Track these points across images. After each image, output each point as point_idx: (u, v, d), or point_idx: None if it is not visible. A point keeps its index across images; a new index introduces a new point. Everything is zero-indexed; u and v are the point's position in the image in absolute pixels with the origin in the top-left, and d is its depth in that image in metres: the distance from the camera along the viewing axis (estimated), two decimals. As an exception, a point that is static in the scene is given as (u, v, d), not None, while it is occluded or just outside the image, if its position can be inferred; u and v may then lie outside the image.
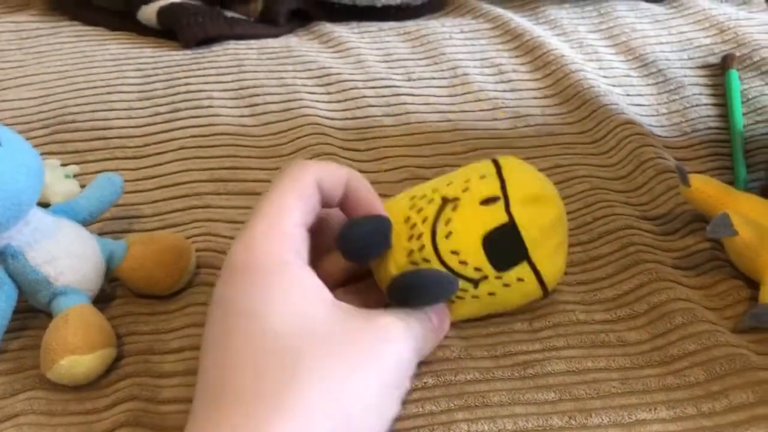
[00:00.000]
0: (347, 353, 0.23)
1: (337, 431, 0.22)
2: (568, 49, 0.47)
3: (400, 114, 0.42)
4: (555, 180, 0.36)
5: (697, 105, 0.42)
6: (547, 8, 0.51)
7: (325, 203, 0.27)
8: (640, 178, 0.37)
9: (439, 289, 0.26)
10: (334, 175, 0.26)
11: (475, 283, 0.27)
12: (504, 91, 0.44)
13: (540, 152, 0.39)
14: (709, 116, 0.42)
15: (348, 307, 0.25)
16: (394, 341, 0.25)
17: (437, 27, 0.50)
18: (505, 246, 0.26)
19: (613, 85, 0.44)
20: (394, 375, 0.24)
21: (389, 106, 0.42)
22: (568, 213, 0.34)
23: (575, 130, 0.41)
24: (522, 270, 0.27)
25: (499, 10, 0.51)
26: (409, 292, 0.26)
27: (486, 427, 0.26)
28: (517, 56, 0.47)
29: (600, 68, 0.45)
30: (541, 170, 0.29)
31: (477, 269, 0.26)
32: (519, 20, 0.49)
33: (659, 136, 0.40)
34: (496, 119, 0.42)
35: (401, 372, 0.25)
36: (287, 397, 0.22)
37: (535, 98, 0.43)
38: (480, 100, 0.43)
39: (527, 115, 0.42)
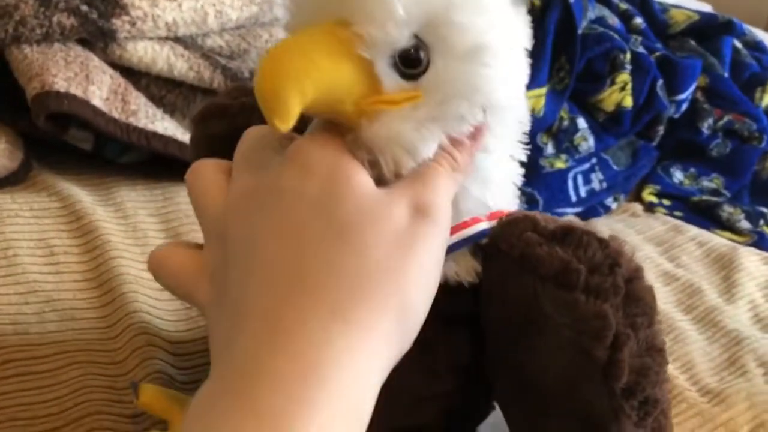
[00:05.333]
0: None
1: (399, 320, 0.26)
2: (120, 233, 0.54)
3: (-70, 297, 0.46)
4: (49, 366, 0.42)
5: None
6: (120, 189, 0.59)
7: None
8: (129, 362, 0.44)
9: None
10: None
11: None
12: (47, 273, 0.50)
13: (51, 338, 0.45)
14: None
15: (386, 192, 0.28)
16: (437, 222, 0.28)
17: (7, 203, 0.55)
18: None
19: (146, 270, 0.52)
20: (438, 255, 0.28)
21: None
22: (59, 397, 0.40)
23: (96, 315, 0.48)
24: None
25: (73, 190, 0.57)
26: None
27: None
28: (72, 237, 0.53)
29: (142, 253, 0.53)
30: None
31: None
32: (87, 201, 0.56)
33: (167, 320, 0.48)
34: (26, 303, 0.47)
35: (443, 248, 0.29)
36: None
37: (75, 281, 0.50)
38: (19, 283, 0.48)
39: (58, 300, 0.48)
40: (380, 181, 0.29)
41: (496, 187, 0.32)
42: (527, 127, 0.33)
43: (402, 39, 0.28)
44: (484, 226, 0.31)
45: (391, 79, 0.28)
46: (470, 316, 0.33)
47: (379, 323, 0.26)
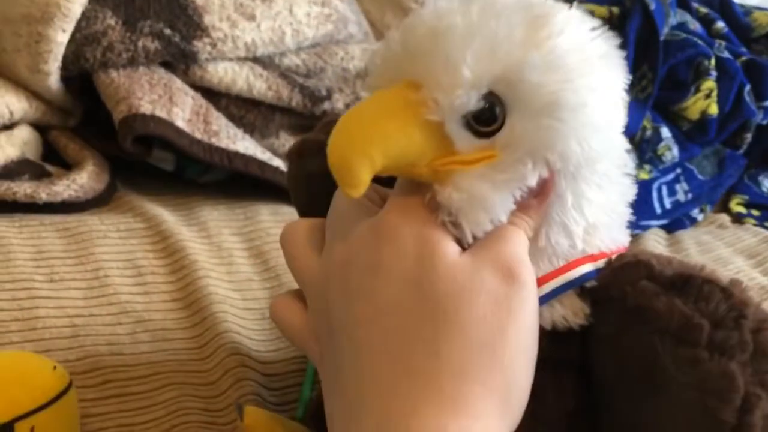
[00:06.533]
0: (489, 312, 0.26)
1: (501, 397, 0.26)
2: (205, 253, 0.55)
3: (30, 319, 0.46)
4: (146, 387, 0.42)
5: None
6: (202, 209, 0.60)
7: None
8: (222, 383, 0.44)
9: None
10: None
11: None
12: (137, 294, 0.50)
13: (146, 358, 0.45)
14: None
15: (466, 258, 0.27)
16: (527, 284, 0.27)
17: (96, 224, 0.56)
18: None
19: (233, 290, 0.52)
20: (534, 317, 0.27)
21: (21, 310, 0.47)
22: (157, 418, 0.41)
23: (187, 335, 0.48)
24: None
25: (157, 210, 0.58)
26: None
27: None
28: (159, 258, 0.54)
29: (227, 272, 0.53)
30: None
31: None
32: (171, 221, 0.57)
33: (256, 339, 0.48)
34: (119, 324, 0.48)
35: (536, 308, 0.28)
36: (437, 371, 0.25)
37: (164, 301, 0.50)
38: (111, 304, 0.49)
39: (149, 320, 0.48)
40: (460, 241, 0.29)
41: (591, 227, 0.30)
42: (628, 159, 0.31)
43: (471, 101, 0.27)
44: (588, 268, 0.30)
45: (464, 139, 0.28)
46: (580, 362, 0.31)
47: (486, 406, 0.25)
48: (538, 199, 0.29)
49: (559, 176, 0.28)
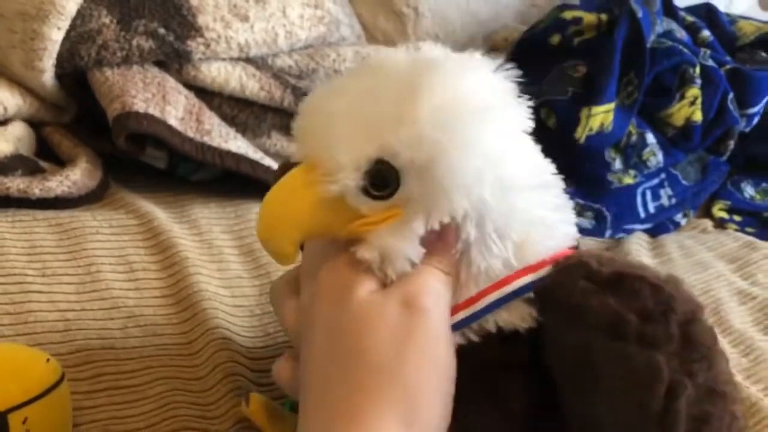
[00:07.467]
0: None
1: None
2: (196, 250, 0.55)
3: (21, 312, 0.47)
4: (136, 381, 0.43)
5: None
6: (194, 207, 0.60)
7: None
8: (211, 378, 0.45)
9: None
10: None
11: None
12: (128, 290, 0.51)
13: (137, 353, 0.46)
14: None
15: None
16: (427, 311, 0.31)
17: (89, 220, 0.56)
18: None
19: (223, 287, 0.53)
20: (436, 339, 0.31)
21: (13, 303, 0.47)
22: (147, 411, 0.41)
23: (177, 330, 0.49)
24: None
25: (149, 207, 0.59)
26: None
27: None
28: (151, 254, 0.54)
29: (218, 269, 0.54)
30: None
31: None
32: (162, 218, 0.57)
33: (245, 336, 0.49)
34: (111, 318, 0.48)
35: (444, 332, 0.31)
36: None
37: (155, 297, 0.51)
38: (103, 299, 0.50)
39: (140, 315, 0.49)
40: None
41: (521, 244, 0.32)
42: (543, 163, 0.33)
43: (358, 175, 0.30)
44: (527, 279, 0.32)
45: (366, 205, 0.31)
46: (535, 361, 0.33)
47: (387, 421, 0.29)
48: (442, 242, 0.32)
49: (464, 220, 0.31)
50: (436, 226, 0.31)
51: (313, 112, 0.32)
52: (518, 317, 0.32)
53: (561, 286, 0.31)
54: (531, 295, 0.32)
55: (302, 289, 0.35)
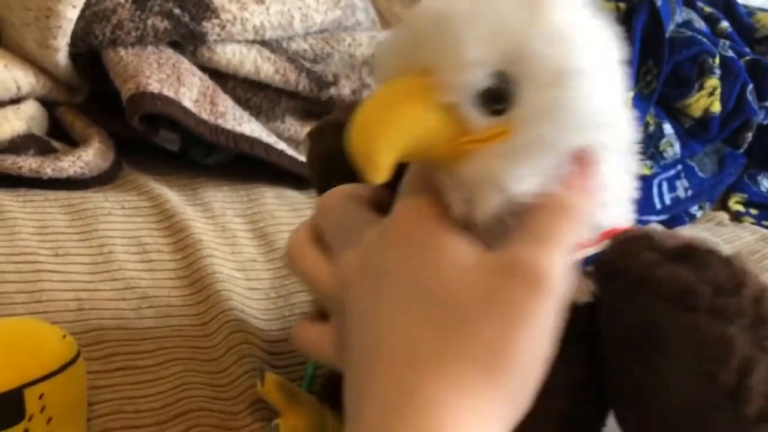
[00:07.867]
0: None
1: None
2: (209, 233, 0.55)
3: (34, 291, 0.46)
4: (150, 362, 0.42)
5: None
6: (206, 190, 0.60)
7: None
8: (225, 359, 0.44)
9: None
10: None
11: None
12: (141, 270, 0.50)
13: (151, 333, 0.45)
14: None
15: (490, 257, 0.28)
16: (550, 292, 0.27)
17: (101, 201, 0.56)
18: None
19: (237, 269, 0.52)
20: (551, 316, 0.27)
21: (26, 282, 0.47)
22: (162, 392, 0.41)
23: (191, 312, 0.48)
24: None
25: (162, 189, 0.58)
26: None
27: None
28: (164, 236, 0.54)
29: (232, 252, 0.54)
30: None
31: None
32: (175, 201, 0.57)
33: (260, 319, 0.48)
34: (124, 299, 0.48)
35: (556, 308, 0.27)
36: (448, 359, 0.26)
37: (168, 279, 0.50)
38: (116, 279, 0.49)
39: (154, 297, 0.48)
40: (472, 224, 0.29)
41: (611, 206, 0.31)
42: (636, 138, 0.32)
43: (481, 80, 0.28)
44: (590, 251, 0.30)
45: (478, 119, 0.28)
46: (588, 334, 0.32)
47: (491, 399, 0.26)
48: (584, 176, 0.29)
49: (590, 156, 0.29)
50: (557, 152, 0.28)
51: (427, 15, 0.29)
52: (577, 290, 0.30)
53: (624, 257, 0.29)
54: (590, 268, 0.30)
55: (339, 249, 0.32)
